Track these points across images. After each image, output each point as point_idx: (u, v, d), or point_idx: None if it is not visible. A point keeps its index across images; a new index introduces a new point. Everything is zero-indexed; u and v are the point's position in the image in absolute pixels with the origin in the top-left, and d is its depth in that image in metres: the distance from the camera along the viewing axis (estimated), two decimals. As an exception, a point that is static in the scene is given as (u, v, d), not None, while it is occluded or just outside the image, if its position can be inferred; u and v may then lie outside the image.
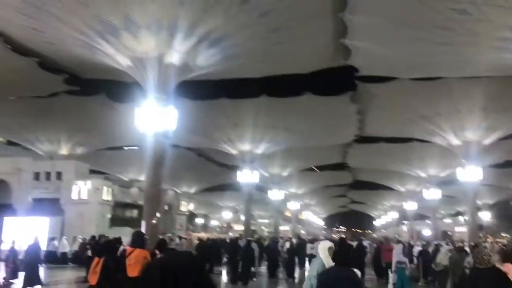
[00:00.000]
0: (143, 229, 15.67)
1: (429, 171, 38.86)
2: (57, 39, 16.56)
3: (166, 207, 30.55)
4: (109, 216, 23.79)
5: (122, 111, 23.81)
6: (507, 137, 28.31)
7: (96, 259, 7.15)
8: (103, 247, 7.69)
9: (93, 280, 6.90)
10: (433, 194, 39.62)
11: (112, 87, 23.80)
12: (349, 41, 16.81)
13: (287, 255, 20.11)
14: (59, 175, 23.32)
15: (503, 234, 63.99)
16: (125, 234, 23.60)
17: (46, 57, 18.89)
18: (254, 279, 17.47)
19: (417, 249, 20.12)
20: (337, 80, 22.96)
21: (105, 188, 23.03)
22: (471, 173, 26.85)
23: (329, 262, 5.36)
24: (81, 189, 22.40)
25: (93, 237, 17.80)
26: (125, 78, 19.97)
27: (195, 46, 15.22)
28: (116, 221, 25.46)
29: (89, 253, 16.36)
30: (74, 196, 22.38)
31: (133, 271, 6.64)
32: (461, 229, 66.84)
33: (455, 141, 27.25)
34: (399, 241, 18.90)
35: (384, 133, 31.69)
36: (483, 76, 20.79)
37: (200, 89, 23.03)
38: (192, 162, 39.18)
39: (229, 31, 15.16)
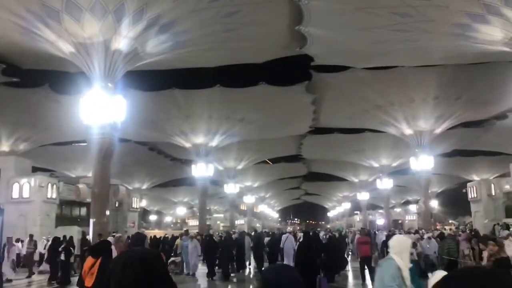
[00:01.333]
0: (91, 227, 14.70)
1: (381, 161, 39.43)
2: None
3: (116, 204, 29.23)
4: (54, 215, 22.31)
5: (67, 103, 22.36)
6: (454, 126, 28.97)
7: (90, 260, 6.78)
8: (100, 247, 7.24)
9: (89, 282, 6.54)
10: (385, 183, 40.31)
11: (55, 78, 22.30)
12: (304, 28, 16.37)
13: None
14: (-3, 172, 21.62)
15: (450, 221, 66.65)
16: (74, 233, 22.50)
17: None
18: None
19: (381, 237, 19.99)
20: (292, 70, 22.57)
21: (49, 186, 21.49)
22: (423, 162, 27.35)
23: (407, 265, 4.33)
24: (23, 187, 20.79)
25: (64, 239, 16.48)
26: (69, 68, 18.72)
27: (143, 31, 14.27)
28: (63, 220, 24.02)
29: (63, 256, 15.39)
30: (15, 194, 20.78)
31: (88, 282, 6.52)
32: (411, 218, 69.11)
33: (407, 130, 27.62)
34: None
35: (339, 124, 31.71)
36: (437, 65, 21.02)
37: (150, 79, 22.05)
38: (143, 156, 37.81)
39: (179, 15, 14.32)
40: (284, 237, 17.54)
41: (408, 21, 14.47)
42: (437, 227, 42.38)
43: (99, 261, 6.58)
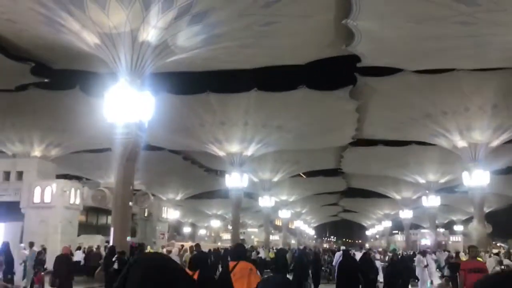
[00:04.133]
0: (111, 235, 13.36)
1: (428, 177, 36.82)
2: (16, 14, 14.22)
3: (145, 214, 28.01)
4: (77, 222, 21.19)
5: (100, 106, 21.43)
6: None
7: (188, 272, 6.11)
8: (197, 259, 6.83)
9: None
10: (432, 201, 37.65)
11: (86, 79, 21.46)
12: (352, 21, 14.65)
13: None
14: (19, 175, 20.68)
15: (498, 244, 62.53)
16: (96, 242, 21.29)
17: (6, 38, 16.49)
18: None
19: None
20: (336, 73, 20.89)
21: (73, 190, 20.37)
22: (478, 178, 24.89)
23: None
24: (45, 191, 19.77)
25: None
26: (100, 68, 17.72)
27: (174, 21, 12.96)
28: (86, 228, 22.94)
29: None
30: (36, 199, 19.74)
31: (240, 285, 6.25)
32: (455, 239, 65.30)
33: (460, 142, 25.25)
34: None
35: (383, 135, 29.58)
36: (496, 68, 18.88)
37: (183, 81, 20.95)
38: (177, 166, 36.76)
39: (213, 4, 12.94)
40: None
41: (475, 10, 12.55)
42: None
43: (196, 274, 6.22)
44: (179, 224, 62.88)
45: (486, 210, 54.58)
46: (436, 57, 17.27)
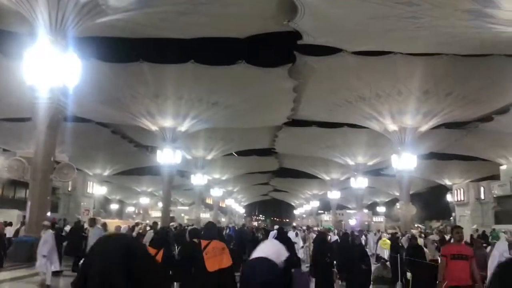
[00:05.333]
0: (27, 211, 12.15)
1: (357, 159, 37.79)
2: None
3: (69, 188, 26.37)
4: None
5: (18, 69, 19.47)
6: (437, 126, 27.50)
7: (150, 251, 6.13)
8: (161, 237, 7.04)
9: None
10: (360, 183, 38.78)
11: (3, 39, 19.33)
12: (296, -6, 14.20)
13: None
14: None
15: (416, 225, 66.23)
16: (13, 218, 19.59)
17: None
18: None
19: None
20: (276, 50, 20.39)
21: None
22: (406, 161, 25.75)
23: None
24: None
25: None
26: (20, 26, 15.99)
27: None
28: (2, 202, 21.10)
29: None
30: None
31: (212, 265, 6.22)
32: (378, 219, 68.39)
33: (391, 126, 25.92)
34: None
35: (318, 117, 29.72)
36: (432, 54, 19.32)
37: (115, 48, 19.47)
38: (105, 140, 34.84)
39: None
40: (272, 234, 15.36)
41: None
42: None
43: (161, 252, 6.19)
44: (106, 200, 60.79)
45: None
46: (377, 39, 17.27)
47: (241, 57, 20.39)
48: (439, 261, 7.39)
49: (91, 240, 11.11)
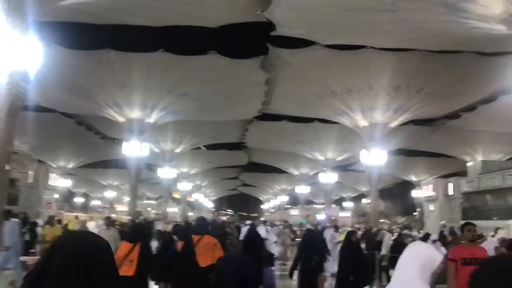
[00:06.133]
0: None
1: (327, 154, 37.88)
2: None
3: (30, 180, 25.29)
4: None
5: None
6: (406, 122, 27.72)
7: (126, 246, 6.11)
8: (138, 231, 6.46)
9: (128, 270, 5.79)
10: (329, 177, 38.90)
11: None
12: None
13: None
14: None
15: (381, 220, 67.37)
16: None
17: None
18: None
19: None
20: (249, 40, 19.95)
21: None
22: (375, 157, 25.84)
23: None
24: None
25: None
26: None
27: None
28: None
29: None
30: None
31: (205, 260, 6.09)
32: (345, 215, 69.12)
33: (362, 122, 25.94)
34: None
35: (290, 111, 29.53)
36: (406, 49, 19.32)
37: (81, 34, 18.56)
38: (70, 131, 33.65)
39: None
40: (244, 229, 15.10)
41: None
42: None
43: (138, 246, 5.93)
44: (70, 193, 59.24)
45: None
46: (351, 32, 17.08)
47: (212, 47, 19.86)
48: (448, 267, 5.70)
49: (7, 235, 10.38)
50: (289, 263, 17.89)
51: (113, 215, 41.43)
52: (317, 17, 15.88)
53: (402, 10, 13.61)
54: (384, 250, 12.15)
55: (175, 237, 7.21)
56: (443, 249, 10.98)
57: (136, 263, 5.85)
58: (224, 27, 18.38)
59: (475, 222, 21.23)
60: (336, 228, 18.11)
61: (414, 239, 13.08)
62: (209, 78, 22.16)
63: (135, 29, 18.38)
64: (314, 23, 16.66)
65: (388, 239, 13.79)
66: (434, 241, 11.05)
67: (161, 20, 17.85)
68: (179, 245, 6.73)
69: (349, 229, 18.46)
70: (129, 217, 22.27)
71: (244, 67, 21.31)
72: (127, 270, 5.81)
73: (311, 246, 9.04)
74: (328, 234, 16.41)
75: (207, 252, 6.24)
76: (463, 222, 26.39)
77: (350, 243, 9.33)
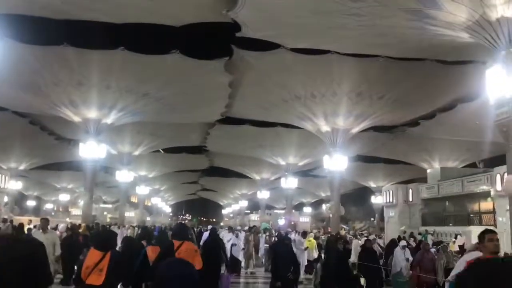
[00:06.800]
0: None
1: (288, 159, 37.83)
2: None
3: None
4: None
5: None
6: (366, 129, 27.99)
7: (95, 254, 5.75)
8: (107, 239, 6.13)
9: (97, 279, 5.59)
10: (290, 183, 38.87)
11: None
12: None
13: None
14: None
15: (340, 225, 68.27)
16: None
17: None
18: None
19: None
20: (213, 41, 19.52)
21: None
22: (337, 162, 25.94)
23: None
24: None
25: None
26: None
27: None
28: None
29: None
30: None
31: None
32: (304, 220, 69.59)
33: (324, 127, 25.99)
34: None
35: (253, 115, 29.18)
36: (369, 55, 19.40)
37: (36, 29, 17.59)
38: (23, 131, 32.09)
39: None
40: (205, 234, 14.69)
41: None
42: (329, 230, 42.12)
43: (108, 255, 5.67)
44: (22, 196, 56.91)
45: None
46: (318, 36, 16.91)
47: (175, 47, 19.30)
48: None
49: None
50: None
51: (67, 220, 40.04)
52: (284, 19, 15.66)
53: (369, 14, 13.57)
54: (354, 257, 11.97)
55: (144, 242, 7.00)
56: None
57: (105, 271, 5.62)
58: (188, 26, 17.87)
59: (433, 228, 21.63)
60: (304, 234, 17.85)
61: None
62: (171, 78, 21.56)
63: (94, 25, 17.54)
64: (280, 26, 16.42)
65: (356, 246, 13.64)
66: (403, 247, 10.94)
67: (123, 16, 17.13)
68: (151, 250, 6.49)
69: (313, 234, 18.29)
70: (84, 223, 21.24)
71: (208, 68, 20.82)
72: (95, 279, 5.61)
73: (283, 255, 8.76)
74: (296, 240, 16.19)
75: (188, 259, 5.88)
76: (421, 227, 26.54)
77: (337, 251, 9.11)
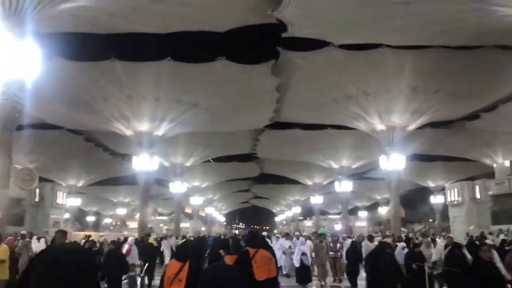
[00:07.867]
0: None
1: (342, 162, 36.74)
2: None
3: (36, 199, 24.50)
4: None
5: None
6: (423, 126, 26.58)
7: (176, 264, 5.83)
8: (186, 249, 6.27)
9: None
10: (344, 186, 37.71)
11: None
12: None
13: None
14: None
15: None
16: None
17: None
18: None
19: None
20: (258, 44, 19.07)
21: None
22: (394, 162, 24.74)
23: None
24: None
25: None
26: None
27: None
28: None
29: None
30: None
31: (261, 274, 6.10)
32: (361, 224, 67.70)
33: (379, 126, 24.88)
34: None
35: (302, 118, 28.45)
36: (422, 46, 18.30)
37: (83, 45, 17.82)
38: (78, 148, 33.01)
39: None
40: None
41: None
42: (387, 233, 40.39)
43: (187, 265, 5.81)
44: (81, 212, 58.67)
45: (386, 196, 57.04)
46: (365, 29, 16.10)
47: (221, 53, 19.02)
48: None
49: None
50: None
51: (125, 233, 40.71)
52: (329, 15, 15.01)
53: (418, 2, 12.63)
54: (436, 257, 11.09)
55: (222, 251, 7.04)
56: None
57: (184, 282, 5.71)
58: (233, 31, 17.54)
59: (507, 226, 19.90)
60: (370, 238, 16.98)
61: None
62: (218, 85, 21.31)
63: (140, 37, 17.58)
64: (326, 22, 15.76)
65: (440, 247, 12.56)
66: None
67: (166, 26, 17.04)
68: (229, 259, 6.58)
69: (380, 238, 17.34)
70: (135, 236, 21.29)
71: (254, 73, 20.39)
72: None
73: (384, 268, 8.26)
74: (363, 245, 15.45)
75: (264, 266, 6.26)
76: (491, 226, 24.82)
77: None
